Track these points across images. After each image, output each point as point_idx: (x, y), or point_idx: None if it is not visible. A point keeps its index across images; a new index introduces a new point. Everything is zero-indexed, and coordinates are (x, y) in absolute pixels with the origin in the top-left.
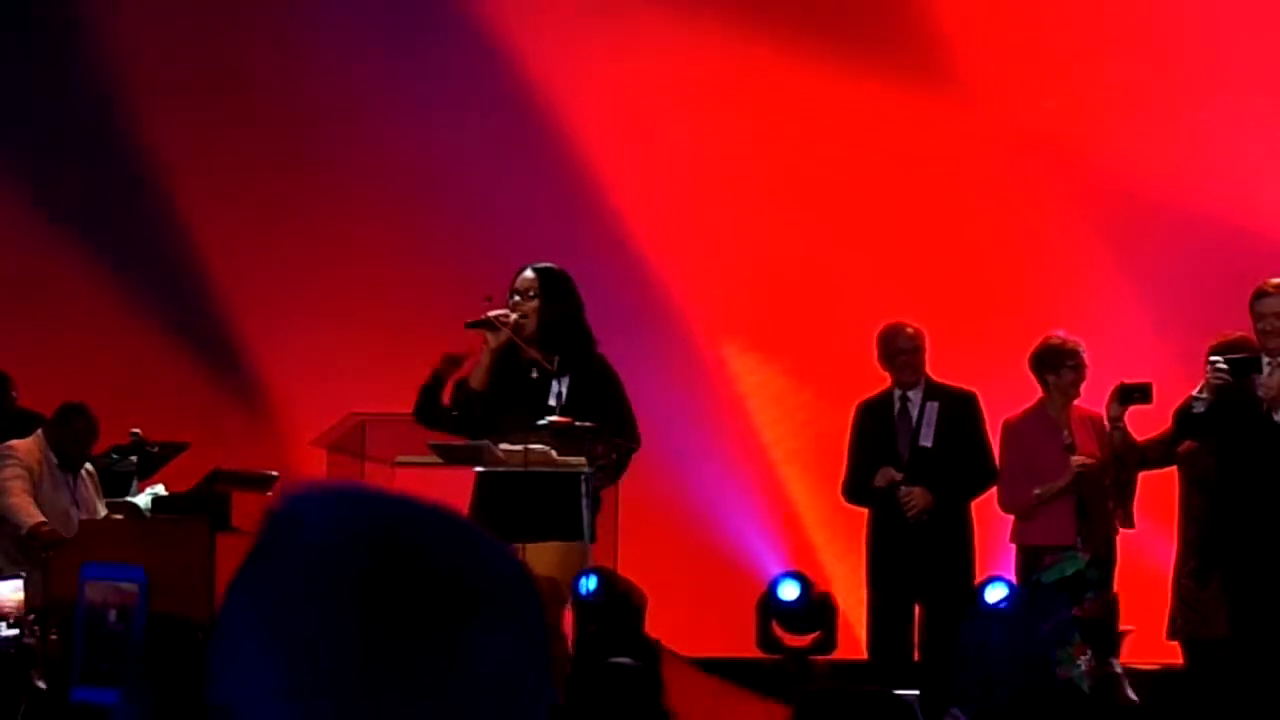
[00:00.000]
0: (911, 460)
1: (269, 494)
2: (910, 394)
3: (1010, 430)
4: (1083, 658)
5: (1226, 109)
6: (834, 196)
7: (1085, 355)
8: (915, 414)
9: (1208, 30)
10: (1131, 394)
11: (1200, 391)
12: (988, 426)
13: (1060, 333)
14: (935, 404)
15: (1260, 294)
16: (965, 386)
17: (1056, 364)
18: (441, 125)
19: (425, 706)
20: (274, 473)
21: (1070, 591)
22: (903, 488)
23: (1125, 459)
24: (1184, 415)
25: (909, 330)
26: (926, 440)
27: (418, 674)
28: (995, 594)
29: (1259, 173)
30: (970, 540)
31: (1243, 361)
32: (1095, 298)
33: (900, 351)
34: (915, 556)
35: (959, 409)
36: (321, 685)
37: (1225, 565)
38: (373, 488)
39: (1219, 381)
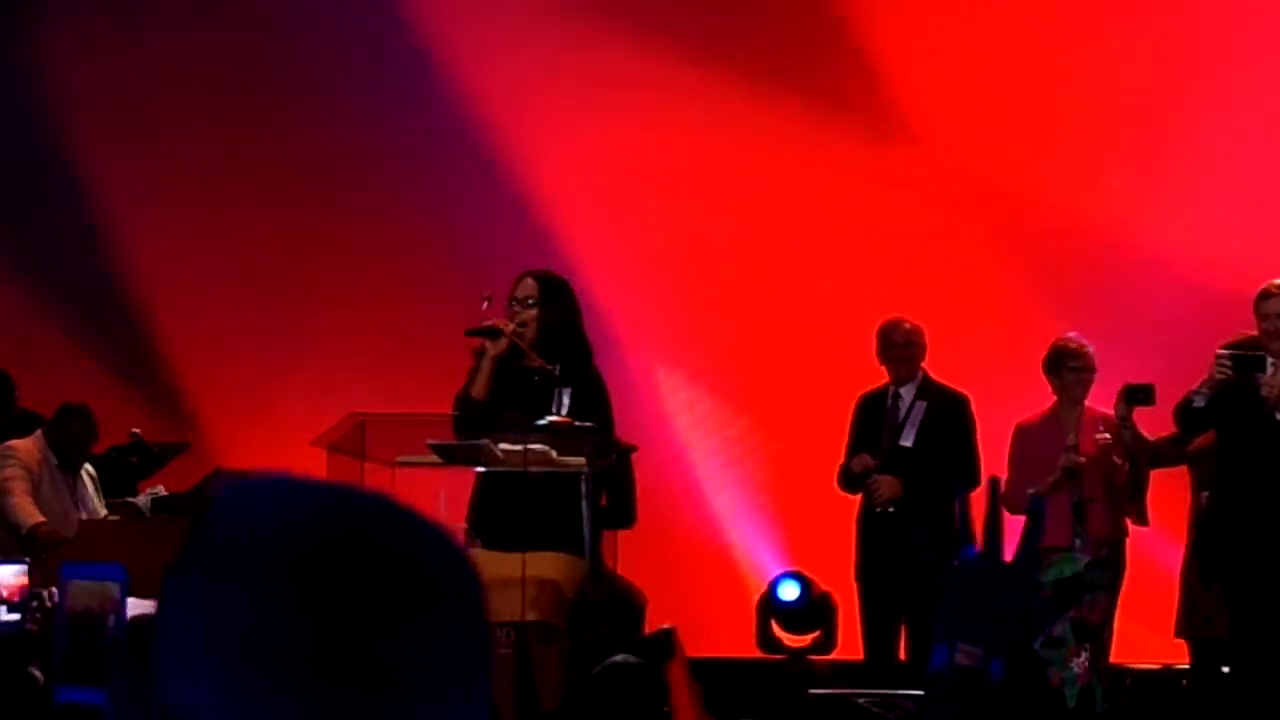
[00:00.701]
0: (890, 457)
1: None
2: (903, 390)
3: (1020, 431)
4: (1076, 660)
5: (1196, 153)
6: (824, 206)
7: (1092, 358)
8: (903, 411)
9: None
10: (1135, 394)
11: (1202, 386)
12: (977, 430)
13: (1072, 335)
14: (924, 404)
15: (1265, 295)
16: (961, 389)
17: (1059, 365)
18: (440, 128)
19: (371, 698)
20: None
21: (1068, 593)
22: (873, 475)
23: (1136, 458)
24: (1184, 409)
25: (905, 326)
26: (907, 440)
27: (363, 665)
28: None
29: (1223, 211)
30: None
31: (1248, 358)
32: (1087, 302)
33: (893, 346)
34: (898, 559)
35: (948, 410)
36: (267, 679)
37: (1224, 564)
38: (308, 477)
39: (1222, 375)
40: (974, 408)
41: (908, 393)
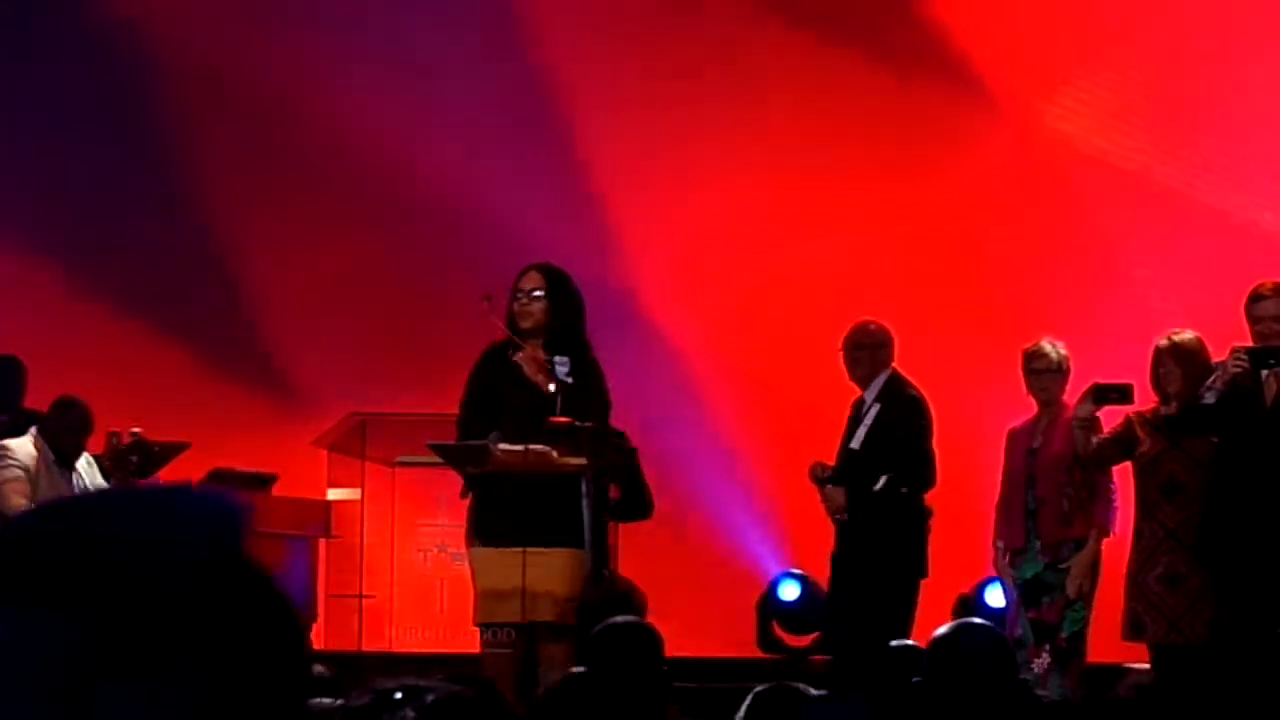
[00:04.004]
0: (841, 460)
1: (269, 494)
2: (866, 394)
3: (1008, 436)
4: (1036, 660)
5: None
6: (833, 203)
7: (1055, 359)
8: (862, 413)
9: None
10: (1107, 394)
11: (1213, 382)
12: (932, 433)
13: (1047, 338)
14: (878, 406)
15: (1257, 297)
16: (918, 392)
17: (1025, 368)
18: (440, 130)
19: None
20: (274, 473)
21: (1029, 594)
22: (827, 487)
23: (1086, 461)
24: (1191, 407)
25: (869, 327)
26: (855, 443)
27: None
28: (994, 596)
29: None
30: (912, 542)
31: (1263, 352)
32: (1080, 303)
33: (853, 347)
34: (852, 550)
35: (898, 414)
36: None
37: (1220, 562)
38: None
39: (1239, 369)
40: (933, 411)
41: (870, 395)
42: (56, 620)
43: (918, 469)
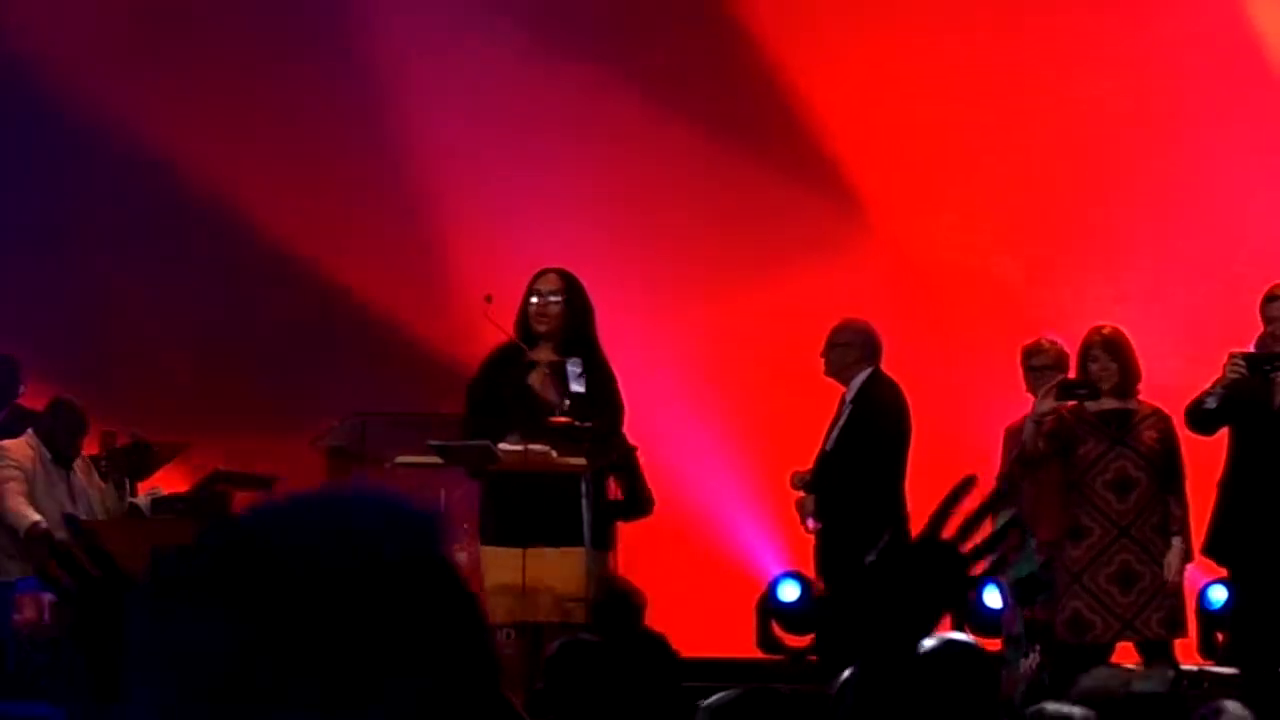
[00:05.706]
0: (817, 462)
1: (269, 494)
2: (846, 394)
3: (1005, 434)
4: (1025, 661)
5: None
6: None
7: (1055, 355)
8: (840, 415)
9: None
10: (1073, 390)
11: (1214, 387)
12: (887, 441)
13: (1047, 336)
14: (851, 408)
15: (1271, 297)
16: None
17: (1025, 364)
18: (441, 125)
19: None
20: (274, 473)
21: (1024, 593)
22: (800, 495)
23: (1030, 460)
24: (1195, 410)
25: (843, 325)
26: (829, 444)
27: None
28: (992, 598)
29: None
30: (880, 538)
31: (1260, 358)
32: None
33: (825, 345)
34: (833, 556)
35: (859, 415)
36: (208, 700)
37: (1233, 562)
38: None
39: (1236, 375)
40: (909, 415)
41: (848, 395)
42: (224, 623)
43: (865, 477)
